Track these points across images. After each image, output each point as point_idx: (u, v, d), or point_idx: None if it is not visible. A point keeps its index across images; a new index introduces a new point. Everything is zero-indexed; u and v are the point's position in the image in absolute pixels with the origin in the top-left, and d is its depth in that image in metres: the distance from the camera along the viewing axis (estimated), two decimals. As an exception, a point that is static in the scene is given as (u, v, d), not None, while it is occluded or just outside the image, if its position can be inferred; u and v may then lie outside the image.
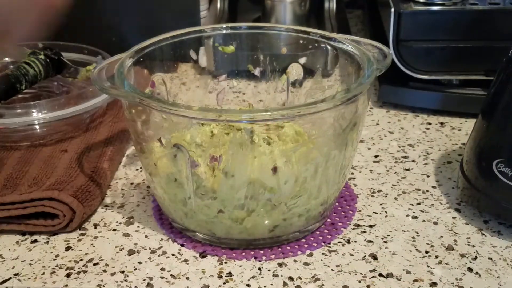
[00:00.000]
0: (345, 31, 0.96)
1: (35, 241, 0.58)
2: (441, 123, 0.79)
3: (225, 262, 0.55)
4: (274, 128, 0.59)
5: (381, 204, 0.63)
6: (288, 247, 0.57)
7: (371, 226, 0.60)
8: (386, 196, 0.64)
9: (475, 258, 0.56)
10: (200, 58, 0.67)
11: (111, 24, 0.92)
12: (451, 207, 0.63)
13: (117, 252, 0.56)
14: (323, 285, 0.52)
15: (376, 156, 0.72)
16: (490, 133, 0.59)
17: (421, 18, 0.77)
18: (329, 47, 0.63)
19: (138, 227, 0.60)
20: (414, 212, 0.62)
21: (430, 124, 0.79)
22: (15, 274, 0.54)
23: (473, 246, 0.57)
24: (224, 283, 0.53)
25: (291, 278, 0.53)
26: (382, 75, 0.58)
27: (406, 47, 0.78)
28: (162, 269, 0.54)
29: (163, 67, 0.65)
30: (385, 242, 0.58)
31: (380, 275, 0.54)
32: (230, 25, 0.68)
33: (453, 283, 0.53)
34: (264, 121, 0.53)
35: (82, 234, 0.59)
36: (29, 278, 0.54)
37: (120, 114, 0.76)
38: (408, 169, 0.69)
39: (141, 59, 0.60)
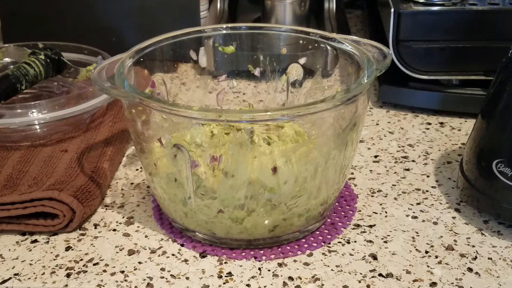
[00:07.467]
0: (345, 31, 0.96)
1: (35, 241, 0.58)
2: (441, 123, 0.79)
3: (225, 262, 0.55)
4: (274, 128, 0.59)
5: (381, 204, 0.63)
6: (288, 247, 0.57)
7: (371, 226, 0.60)
8: (386, 196, 0.64)
9: (475, 258, 0.56)
10: (200, 58, 0.67)
11: (111, 24, 0.92)
12: (451, 207, 0.63)
13: (117, 252, 0.56)
14: (323, 285, 0.53)
15: (376, 156, 0.72)
16: (489, 133, 0.59)
17: (421, 18, 0.77)
18: (329, 47, 0.63)
19: (138, 227, 0.60)
20: (414, 212, 0.62)
21: (430, 124, 0.79)
22: (15, 274, 0.54)
23: (473, 246, 0.57)
24: (224, 283, 0.53)
25: (291, 278, 0.53)
26: (382, 75, 0.59)
27: (406, 47, 0.78)
28: (162, 269, 0.54)
29: (163, 67, 0.65)
30: (385, 242, 0.58)
31: (380, 275, 0.54)
32: (230, 25, 0.68)
33: (453, 283, 0.53)
34: (264, 121, 0.54)
35: (82, 234, 0.59)
36: (29, 278, 0.54)
37: (120, 114, 0.76)
38: (408, 169, 0.69)
39: (141, 59, 0.60)
